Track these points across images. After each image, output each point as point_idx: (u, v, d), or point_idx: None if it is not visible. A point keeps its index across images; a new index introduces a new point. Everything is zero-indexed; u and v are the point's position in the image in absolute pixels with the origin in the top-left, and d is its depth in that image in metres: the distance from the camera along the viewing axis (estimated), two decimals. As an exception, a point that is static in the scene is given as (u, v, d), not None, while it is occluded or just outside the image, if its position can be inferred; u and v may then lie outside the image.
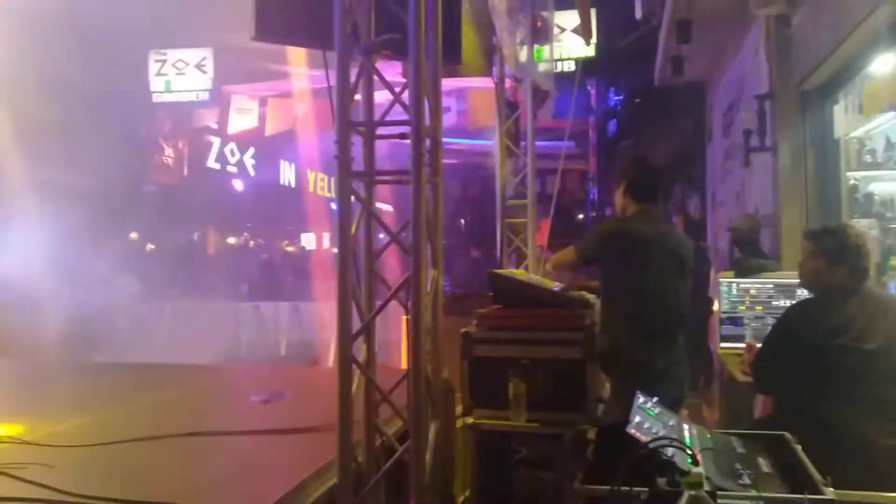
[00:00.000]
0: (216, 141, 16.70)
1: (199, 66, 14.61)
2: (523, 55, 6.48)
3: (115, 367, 4.97)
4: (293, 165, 17.73)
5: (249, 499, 2.25)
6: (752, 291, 4.17)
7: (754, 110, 5.83)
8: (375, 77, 2.55)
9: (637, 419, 2.07)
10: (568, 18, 11.55)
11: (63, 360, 5.06)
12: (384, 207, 13.70)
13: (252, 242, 18.97)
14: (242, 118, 15.86)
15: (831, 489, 1.87)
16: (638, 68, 12.13)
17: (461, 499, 3.34)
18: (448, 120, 12.95)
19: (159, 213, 13.89)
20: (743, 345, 3.91)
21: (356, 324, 2.36)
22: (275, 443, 2.82)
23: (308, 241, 18.28)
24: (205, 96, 14.94)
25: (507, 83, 6.64)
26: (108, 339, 7.23)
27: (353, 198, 2.38)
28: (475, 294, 5.49)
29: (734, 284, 4.22)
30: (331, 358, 8.39)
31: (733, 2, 6.20)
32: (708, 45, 7.42)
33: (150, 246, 14.47)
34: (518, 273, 4.19)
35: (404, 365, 2.50)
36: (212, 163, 16.81)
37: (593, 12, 9.76)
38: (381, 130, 2.54)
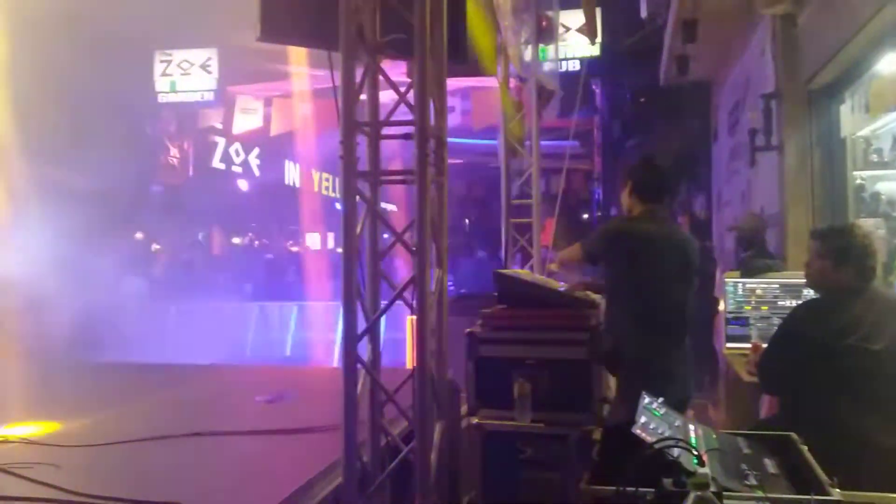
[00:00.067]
0: (221, 141, 16.73)
1: (204, 67, 14.64)
2: (528, 54, 6.48)
3: (120, 368, 4.98)
4: (298, 165, 17.74)
5: (255, 499, 2.25)
6: (758, 291, 4.16)
7: (760, 109, 5.81)
8: (381, 77, 2.55)
9: (643, 419, 2.06)
10: (573, 18, 11.57)
11: (69, 360, 5.07)
12: (389, 207, 13.72)
13: (257, 242, 19.00)
14: (247, 118, 15.89)
15: (838, 490, 1.86)
16: (643, 68, 12.08)
17: (466, 499, 3.34)
18: (453, 119, 12.97)
19: (165, 213, 13.92)
20: (749, 345, 3.90)
21: (361, 324, 2.36)
22: (280, 443, 2.83)
23: (313, 241, 18.30)
24: (210, 96, 14.99)
25: (512, 82, 6.64)
26: (113, 339, 7.24)
27: (358, 198, 2.38)
28: (480, 294, 5.48)
29: (740, 284, 4.20)
30: (335, 358, 8.40)
31: (739, 1, 6.18)
32: (714, 44, 7.40)
33: (155, 246, 14.50)
34: (523, 273, 4.19)
35: (409, 365, 2.50)
36: (217, 163, 16.83)
37: (598, 12, 9.74)
38: (386, 130, 2.54)
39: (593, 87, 17.26)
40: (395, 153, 3.56)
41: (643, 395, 2.25)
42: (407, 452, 2.35)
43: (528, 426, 3.08)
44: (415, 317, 2.34)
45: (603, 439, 2.32)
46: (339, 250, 2.40)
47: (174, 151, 17.06)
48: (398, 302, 2.47)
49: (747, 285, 4.19)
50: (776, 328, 3.09)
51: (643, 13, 10.79)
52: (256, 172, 17.56)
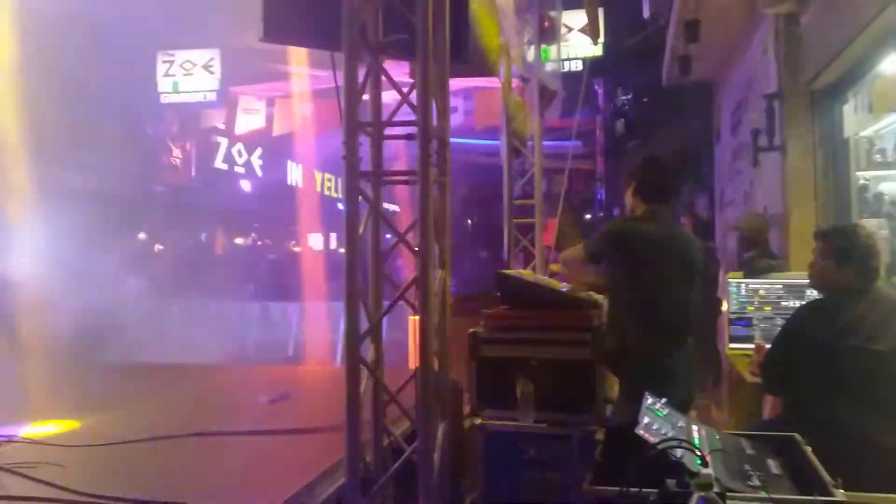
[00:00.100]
0: (223, 141, 16.75)
1: (206, 67, 14.65)
2: (530, 55, 6.48)
3: (123, 367, 4.99)
4: (300, 166, 17.75)
5: (258, 498, 2.26)
6: (761, 292, 4.15)
7: (763, 110, 5.79)
8: (383, 77, 2.55)
9: (646, 420, 2.06)
10: (576, 18, 11.55)
11: (73, 360, 5.08)
12: (392, 207, 13.71)
13: (259, 242, 19.02)
14: (250, 119, 15.91)
15: (841, 491, 1.86)
16: (646, 68, 12.08)
17: (469, 499, 3.34)
18: (455, 120, 12.96)
19: (167, 213, 13.95)
20: (752, 345, 3.89)
21: (364, 324, 2.36)
22: (283, 443, 2.83)
23: (315, 241, 18.31)
24: (212, 97, 14.99)
25: (515, 83, 6.63)
26: (117, 338, 7.25)
27: (360, 198, 2.38)
28: (483, 294, 5.48)
29: (743, 285, 4.19)
30: (338, 358, 8.40)
31: (742, 1, 6.17)
32: (716, 44, 7.39)
33: (158, 246, 14.52)
34: (525, 273, 4.19)
35: (412, 365, 2.50)
36: (219, 163, 16.85)
37: (601, 12, 9.75)
38: (388, 131, 2.54)
39: (596, 87, 17.27)
40: (399, 153, 3.56)
41: (646, 395, 2.25)
42: (410, 453, 2.35)
43: (531, 427, 3.08)
44: (417, 317, 2.34)
45: (606, 440, 2.32)
46: (342, 250, 2.40)
47: (177, 152, 17.09)
48: (400, 302, 2.48)
49: (750, 286, 4.18)
50: (779, 329, 3.08)
51: (646, 13, 10.79)
52: (259, 173, 17.58)
